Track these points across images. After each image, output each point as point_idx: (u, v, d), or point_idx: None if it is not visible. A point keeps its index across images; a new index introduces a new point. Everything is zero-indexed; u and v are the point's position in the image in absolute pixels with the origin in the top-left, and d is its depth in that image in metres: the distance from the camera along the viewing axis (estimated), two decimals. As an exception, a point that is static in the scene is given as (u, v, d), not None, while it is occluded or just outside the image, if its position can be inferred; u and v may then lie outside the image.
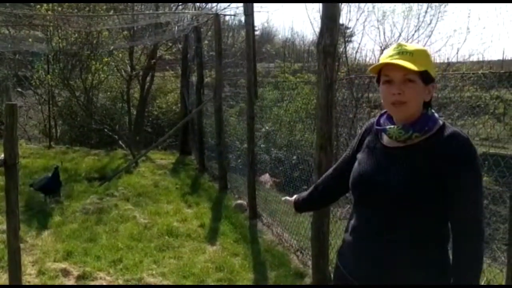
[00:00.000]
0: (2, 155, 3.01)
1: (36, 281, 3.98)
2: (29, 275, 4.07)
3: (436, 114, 1.68)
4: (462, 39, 18.34)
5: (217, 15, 7.54)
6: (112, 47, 11.36)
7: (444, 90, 5.13)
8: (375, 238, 1.68)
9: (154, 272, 4.23)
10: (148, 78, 13.87)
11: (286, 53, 25.79)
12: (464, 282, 1.57)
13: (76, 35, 10.36)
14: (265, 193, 6.44)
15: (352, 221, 1.84)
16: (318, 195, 2.10)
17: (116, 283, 4.01)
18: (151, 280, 4.07)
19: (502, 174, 2.97)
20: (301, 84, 7.77)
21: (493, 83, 3.29)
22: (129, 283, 4.01)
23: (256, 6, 11.07)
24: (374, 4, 12.06)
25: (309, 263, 4.12)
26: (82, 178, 7.73)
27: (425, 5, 11.61)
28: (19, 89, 14.44)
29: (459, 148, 1.56)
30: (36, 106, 14.32)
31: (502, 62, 16.07)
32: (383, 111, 1.78)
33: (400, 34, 11.59)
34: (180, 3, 14.02)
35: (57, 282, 3.98)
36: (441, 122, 1.65)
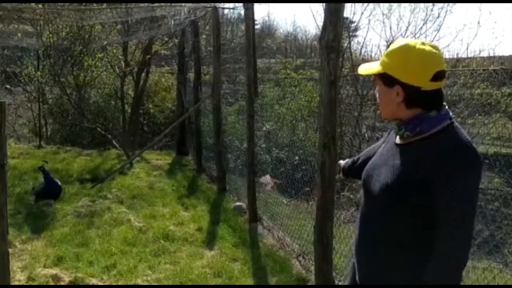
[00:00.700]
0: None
1: (26, 288, 3.98)
2: (18, 281, 4.07)
3: (448, 114, 1.67)
4: (473, 33, 18.36)
5: (215, 8, 7.52)
6: (105, 42, 11.35)
7: (453, 87, 5.13)
8: (364, 237, 1.80)
9: (149, 278, 4.23)
10: (143, 75, 13.86)
11: (288, 48, 25.78)
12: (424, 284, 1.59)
13: (68, 29, 10.35)
14: (265, 195, 6.44)
15: None
16: (357, 168, 2.22)
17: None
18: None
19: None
20: (303, 81, 7.77)
21: (505, 80, 3.29)
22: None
23: (256, -1, 11.06)
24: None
25: (312, 268, 4.12)
26: (74, 179, 7.72)
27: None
28: (8, 86, 14.43)
29: (449, 152, 1.56)
30: (26, 104, 14.32)
31: (514, 58, 16.01)
32: None
33: (407, 28, 11.59)
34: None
35: (47, 288, 3.98)
36: (445, 124, 1.64)
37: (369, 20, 18.59)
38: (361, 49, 12.52)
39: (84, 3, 9.71)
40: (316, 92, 6.39)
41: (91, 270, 4.30)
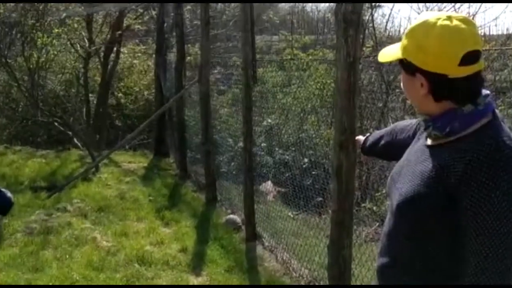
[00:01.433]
0: None
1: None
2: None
3: (490, 107, 1.63)
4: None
5: (203, -28, 7.53)
6: (64, 15, 11.32)
7: (503, 70, 5.13)
8: (380, 252, 1.83)
9: (120, 311, 4.24)
10: (112, 56, 13.86)
11: (294, 22, 25.82)
12: None
13: (17, -2, 10.34)
14: (266, 207, 6.44)
15: None
16: (379, 150, 2.35)
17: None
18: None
19: None
20: (314, 63, 7.78)
21: None
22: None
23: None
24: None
25: (325, 299, 4.12)
26: (25, 187, 7.71)
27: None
28: None
29: (486, 158, 1.51)
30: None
31: None
32: None
33: (444, -5, 11.55)
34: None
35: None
36: (484, 122, 1.61)
37: (397, -13, 18.58)
38: (386, 23, 12.49)
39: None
40: (331, 77, 6.40)
41: (47, 301, 4.31)
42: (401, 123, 2.21)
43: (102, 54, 13.62)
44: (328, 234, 3.72)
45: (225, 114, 8.64)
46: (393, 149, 2.14)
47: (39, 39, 10.51)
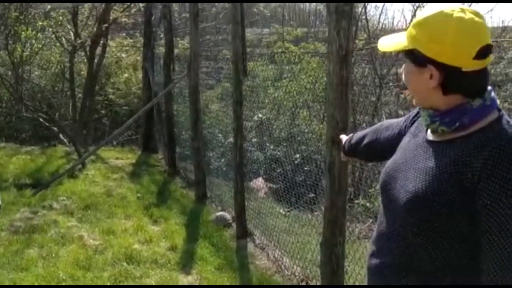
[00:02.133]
0: None
1: None
2: None
3: (495, 102, 1.64)
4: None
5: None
6: (49, 7, 11.26)
7: (499, 64, 5.15)
8: (377, 251, 1.84)
9: (108, 311, 4.23)
10: (99, 49, 13.79)
11: (285, 14, 25.79)
12: None
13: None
14: (257, 204, 6.44)
15: None
16: (362, 150, 2.33)
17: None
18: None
19: None
20: (306, 57, 7.77)
21: None
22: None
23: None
24: None
25: (318, 297, 4.13)
26: (10, 184, 7.68)
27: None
28: None
29: (502, 154, 1.51)
30: None
31: None
32: None
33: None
34: None
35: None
36: (494, 117, 1.62)
37: (390, -22, 18.61)
38: (380, 15, 12.53)
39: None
40: (323, 71, 6.39)
41: (32, 302, 4.29)
42: (387, 121, 2.20)
43: (88, 48, 13.55)
44: (320, 231, 3.73)
45: (215, 109, 8.63)
46: (378, 146, 2.15)
47: (23, 32, 10.45)
